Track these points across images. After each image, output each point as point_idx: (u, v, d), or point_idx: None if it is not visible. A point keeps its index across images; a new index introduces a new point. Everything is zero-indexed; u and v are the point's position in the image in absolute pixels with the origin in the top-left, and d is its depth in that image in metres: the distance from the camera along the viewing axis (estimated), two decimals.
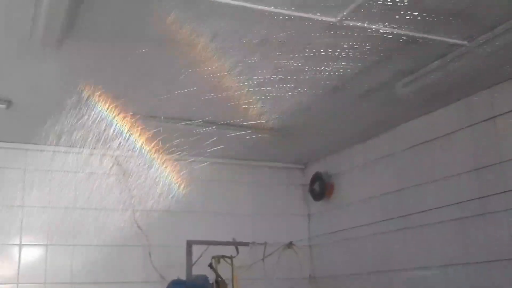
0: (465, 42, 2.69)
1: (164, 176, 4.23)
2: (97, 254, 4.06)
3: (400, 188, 3.87)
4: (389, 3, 2.31)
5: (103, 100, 3.10)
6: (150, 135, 3.79)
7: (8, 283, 3.85)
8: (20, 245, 3.94)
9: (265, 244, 4.27)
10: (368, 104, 3.53)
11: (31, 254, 3.97)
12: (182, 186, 4.33)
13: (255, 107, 3.47)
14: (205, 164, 4.42)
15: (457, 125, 3.46)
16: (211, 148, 4.06)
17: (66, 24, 2.37)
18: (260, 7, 2.29)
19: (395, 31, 2.57)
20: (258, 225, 4.61)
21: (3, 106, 3.25)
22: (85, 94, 3.00)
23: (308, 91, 3.25)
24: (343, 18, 2.41)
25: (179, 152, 4.12)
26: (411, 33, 2.59)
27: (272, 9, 2.30)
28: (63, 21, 2.30)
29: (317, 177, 4.71)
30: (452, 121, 3.50)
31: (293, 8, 2.32)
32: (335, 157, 4.62)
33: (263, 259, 4.33)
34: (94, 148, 4.00)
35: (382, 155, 4.09)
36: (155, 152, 4.06)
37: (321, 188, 4.65)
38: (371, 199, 4.15)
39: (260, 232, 4.47)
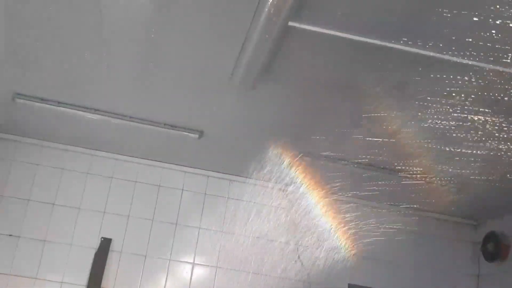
0: None
1: (331, 217, 4.30)
2: (261, 282, 4.22)
3: None
4: None
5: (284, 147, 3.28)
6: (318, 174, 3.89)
7: None
8: (193, 264, 4.26)
9: None
10: None
11: (201, 274, 4.26)
12: (348, 229, 4.35)
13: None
14: (371, 207, 4.40)
15: None
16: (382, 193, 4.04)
17: (263, 68, 2.57)
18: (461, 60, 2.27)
19: None
20: (422, 279, 4.42)
21: (196, 135, 3.56)
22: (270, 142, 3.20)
23: (486, 144, 3.10)
24: None
25: (346, 193, 4.18)
26: None
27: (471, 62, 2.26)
28: (261, 66, 2.50)
29: (492, 236, 4.41)
30: None
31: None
32: None
33: None
34: (271, 181, 4.23)
35: None
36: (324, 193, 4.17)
37: (495, 248, 4.34)
38: None
39: (423, 285, 4.28)
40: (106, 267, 4.09)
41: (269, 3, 2.05)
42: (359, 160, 3.57)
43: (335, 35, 2.19)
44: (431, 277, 4.46)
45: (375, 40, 2.19)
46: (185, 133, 3.51)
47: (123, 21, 2.44)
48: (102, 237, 4.13)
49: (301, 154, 3.63)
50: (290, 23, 2.22)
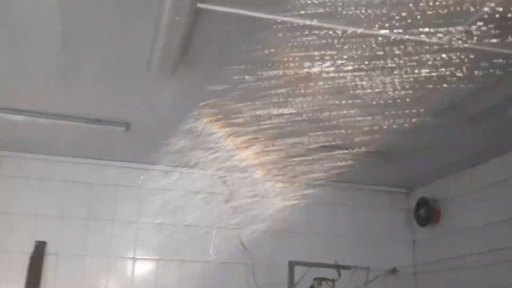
0: None
1: (270, 197, 4.34)
2: (204, 270, 4.23)
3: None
4: (503, 23, 2.24)
5: (213, 122, 3.27)
6: (257, 156, 3.91)
7: None
8: (134, 259, 4.21)
9: (368, 268, 4.20)
10: (479, 128, 3.41)
11: (143, 268, 4.22)
12: (286, 208, 4.41)
13: (360, 130, 3.47)
14: (310, 186, 4.47)
15: None
16: (316, 170, 4.10)
17: (179, 54, 2.55)
18: (370, 31, 2.32)
19: (509, 51, 2.48)
20: (360, 249, 4.56)
21: (122, 128, 3.51)
22: (198, 116, 3.18)
23: (415, 113, 3.20)
24: (454, 39, 2.38)
25: (284, 173, 4.22)
26: None
27: (382, 32, 2.32)
28: (176, 51, 2.48)
29: (423, 202, 4.59)
30: None
31: (403, 31, 2.32)
32: (442, 182, 4.47)
33: (365, 284, 4.26)
34: (205, 169, 4.23)
35: (493, 181, 3.91)
36: (261, 173, 4.20)
37: (427, 213, 4.52)
38: (481, 227, 3.96)
39: (362, 256, 4.41)
40: (44, 271, 3.99)
41: None
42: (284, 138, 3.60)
43: (243, 14, 2.20)
44: (369, 247, 4.61)
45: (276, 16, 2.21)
46: (111, 126, 3.45)
47: (35, 17, 2.37)
48: (36, 241, 4.02)
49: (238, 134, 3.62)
50: (199, 5, 2.21)
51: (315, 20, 2.27)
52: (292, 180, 4.36)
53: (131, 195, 4.29)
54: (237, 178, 4.33)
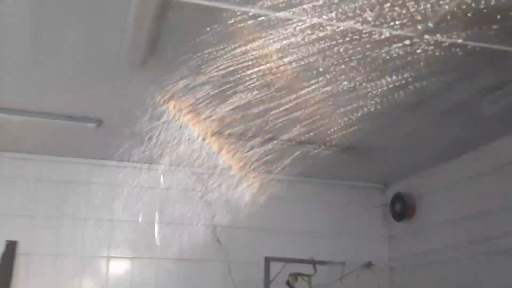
0: None
1: (244, 194, 4.31)
2: (180, 268, 4.19)
3: (485, 210, 3.70)
4: (475, 14, 2.23)
5: (185, 116, 3.23)
6: (232, 152, 3.88)
7: None
8: (108, 258, 4.15)
9: (343, 263, 4.20)
10: (451, 122, 3.43)
11: (118, 267, 4.16)
12: (262, 204, 4.39)
13: (334, 125, 3.46)
14: (284, 182, 4.47)
15: None
16: (291, 166, 4.09)
17: (149, 47, 2.51)
18: (339, 24, 2.30)
19: (481, 44, 2.47)
20: (336, 245, 4.57)
21: (93, 125, 3.45)
22: (169, 112, 3.14)
23: (387, 107, 3.20)
24: (423, 32, 2.37)
25: (259, 169, 4.19)
26: (498, 47, 2.50)
27: (351, 24, 2.30)
28: (146, 45, 2.44)
29: (398, 198, 4.61)
30: None
31: (370, 24, 2.31)
32: (416, 177, 4.50)
33: (341, 279, 4.26)
34: (178, 165, 4.18)
35: (466, 175, 3.94)
36: (236, 169, 4.16)
37: (402, 208, 4.54)
38: (455, 221, 3.99)
39: (338, 252, 4.41)
40: (15, 271, 3.91)
41: None
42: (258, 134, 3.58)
43: (212, 5, 2.16)
44: (345, 242, 4.62)
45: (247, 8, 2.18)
46: (81, 123, 3.39)
47: (4, 12, 2.32)
48: (7, 240, 3.93)
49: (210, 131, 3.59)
50: None
51: (286, 12, 2.25)
52: (266, 177, 4.33)
53: (104, 193, 4.22)
54: (211, 174, 4.30)
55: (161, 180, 4.24)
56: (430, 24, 2.32)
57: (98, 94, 3.15)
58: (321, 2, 2.14)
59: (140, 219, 4.19)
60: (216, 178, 4.36)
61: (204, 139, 3.64)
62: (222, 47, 2.47)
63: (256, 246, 4.33)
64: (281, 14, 2.23)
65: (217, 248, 4.28)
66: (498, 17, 2.24)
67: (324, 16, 2.25)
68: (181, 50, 2.57)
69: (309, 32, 2.35)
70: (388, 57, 2.60)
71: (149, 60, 2.63)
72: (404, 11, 2.24)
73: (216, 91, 2.88)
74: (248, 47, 2.46)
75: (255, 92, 2.89)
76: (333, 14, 2.23)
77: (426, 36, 2.40)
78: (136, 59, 2.58)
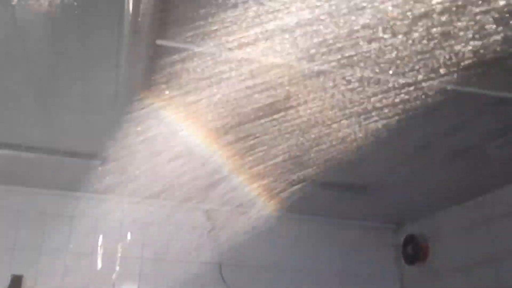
0: None
1: (251, 230, 4.26)
2: None
3: (497, 257, 3.56)
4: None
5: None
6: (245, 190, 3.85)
7: None
8: None
9: None
10: (460, 166, 3.35)
11: None
12: (269, 242, 4.34)
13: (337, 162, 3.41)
14: (293, 220, 4.41)
15: None
16: (300, 203, 4.03)
17: (145, 81, 2.52)
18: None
19: (485, 92, 2.46)
20: (345, 286, 4.44)
21: (98, 162, 3.47)
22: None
23: (394, 148, 3.14)
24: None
25: (268, 207, 4.15)
26: (502, 94, 2.47)
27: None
28: (139, 85, 2.46)
29: (410, 239, 4.47)
30: None
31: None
32: (430, 218, 4.37)
33: None
34: (185, 201, 4.18)
35: (479, 219, 3.81)
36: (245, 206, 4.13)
37: (415, 251, 4.40)
38: (467, 267, 3.85)
39: None
40: None
41: (128, 24, 2.01)
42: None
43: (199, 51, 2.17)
44: (356, 285, 4.48)
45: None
46: (85, 160, 3.41)
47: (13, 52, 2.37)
48: (12, 274, 3.94)
49: None
50: (158, 42, 2.18)
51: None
52: (275, 214, 4.28)
53: (111, 227, 4.22)
54: (219, 210, 4.27)
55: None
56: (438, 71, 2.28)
57: (101, 132, 3.16)
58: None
59: (129, 255, 4.16)
60: (224, 214, 4.34)
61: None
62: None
63: (262, 285, 4.24)
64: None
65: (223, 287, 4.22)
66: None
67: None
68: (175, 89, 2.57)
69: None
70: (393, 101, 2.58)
71: (144, 99, 2.65)
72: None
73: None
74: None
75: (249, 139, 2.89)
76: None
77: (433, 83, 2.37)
78: (131, 99, 2.59)
